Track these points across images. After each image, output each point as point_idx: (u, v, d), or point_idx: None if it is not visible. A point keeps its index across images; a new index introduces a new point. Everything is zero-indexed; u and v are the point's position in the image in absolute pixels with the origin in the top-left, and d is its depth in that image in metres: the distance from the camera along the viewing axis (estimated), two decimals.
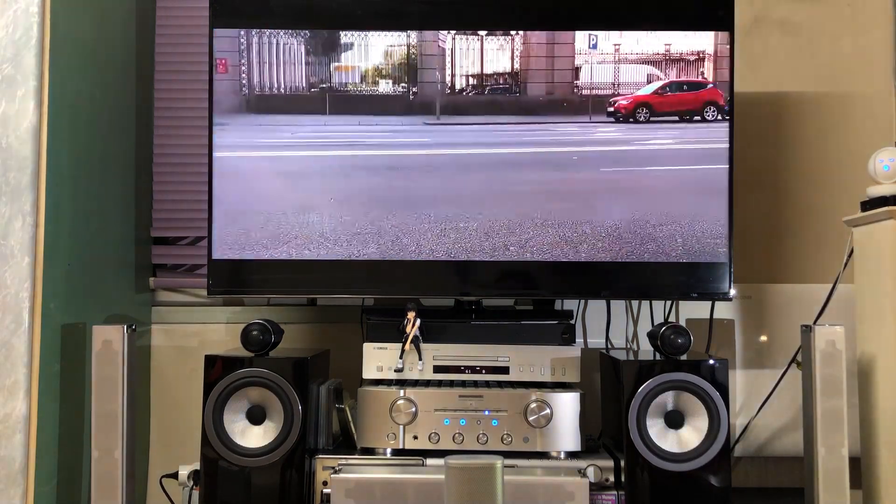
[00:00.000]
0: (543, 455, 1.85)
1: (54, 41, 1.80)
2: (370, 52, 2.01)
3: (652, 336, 1.91)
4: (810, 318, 2.10)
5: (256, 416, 1.83)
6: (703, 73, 2.00)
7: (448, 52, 2.01)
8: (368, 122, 2.01)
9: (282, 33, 2.02)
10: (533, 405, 1.84)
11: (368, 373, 1.94)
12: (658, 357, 1.88)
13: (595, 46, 2.00)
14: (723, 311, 2.29)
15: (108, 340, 1.79)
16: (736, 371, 2.30)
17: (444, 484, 1.47)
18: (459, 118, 2.00)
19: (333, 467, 1.82)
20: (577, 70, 2.00)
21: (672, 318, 2.29)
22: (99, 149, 2.05)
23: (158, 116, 2.34)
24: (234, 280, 2.03)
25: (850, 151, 2.34)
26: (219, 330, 2.35)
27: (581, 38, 2.00)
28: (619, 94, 2.01)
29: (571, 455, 1.85)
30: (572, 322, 1.99)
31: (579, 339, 2.28)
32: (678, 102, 2.01)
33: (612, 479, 1.83)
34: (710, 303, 2.21)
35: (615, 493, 1.81)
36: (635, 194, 1.99)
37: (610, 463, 1.83)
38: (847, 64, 2.38)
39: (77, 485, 1.91)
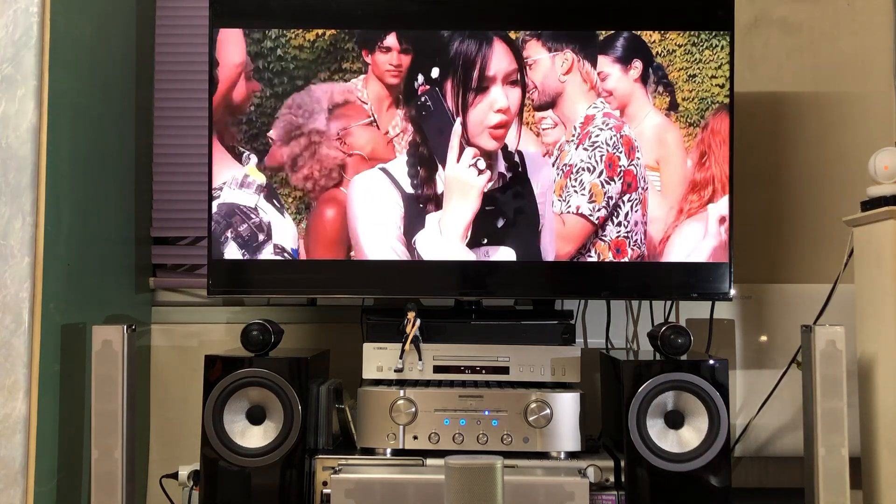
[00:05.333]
0: (543, 455, 1.85)
1: (54, 41, 1.81)
2: None
3: (652, 336, 1.91)
4: (810, 318, 2.10)
5: (256, 416, 1.83)
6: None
7: None
8: None
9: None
10: (533, 405, 1.84)
11: (368, 373, 1.94)
12: (658, 357, 1.88)
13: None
14: (723, 311, 2.29)
15: (108, 340, 1.79)
16: (736, 371, 2.30)
17: (444, 484, 1.47)
18: None
19: (333, 467, 1.82)
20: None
21: (672, 318, 2.29)
22: (99, 149, 2.05)
23: (158, 116, 2.34)
24: (234, 280, 2.03)
25: (850, 151, 2.34)
26: (219, 330, 2.35)
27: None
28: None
29: (571, 455, 1.85)
30: (572, 322, 1.99)
31: (579, 339, 2.28)
32: None
33: (612, 479, 1.83)
34: (710, 303, 2.21)
35: (615, 493, 1.81)
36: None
37: (610, 463, 1.83)
38: (847, 64, 2.38)
39: (77, 485, 1.91)
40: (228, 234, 1.98)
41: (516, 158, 1.97)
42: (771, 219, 2.36)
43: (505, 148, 1.97)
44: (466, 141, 1.97)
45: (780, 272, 2.34)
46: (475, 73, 1.98)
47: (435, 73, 1.98)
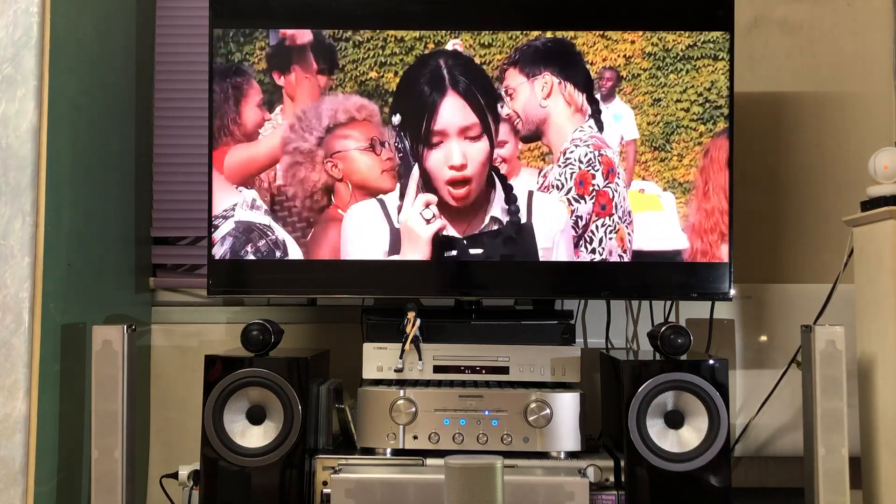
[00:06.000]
0: (543, 455, 1.85)
1: (54, 41, 1.81)
2: None
3: (652, 336, 1.91)
4: (810, 318, 2.10)
5: (256, 416, 1.83)
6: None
7: None
8: None
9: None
10: (533, 405, 1.84)
11: (368, 373, 1.94)
12: (658, 357, 1.88)
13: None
14: (723, 311, 2.29)
15: (108, 340, 1.79)
16: (736, 371, 2.30)
17: (444, 484, 1.47)
18: None
19: (333, 467, 1.82)
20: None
21: (672, 318, 2.29)
22: (99, 149, 2.05)
23: (158, 116, 2.34)
24: (234, 280, 2.03)
25: (850, 151, 2.34)
26: (219, 330, 2.35)
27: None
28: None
29: (571, 455, 1.85)
30: (572, 322, 1.99)
31: (579, 339, 2.28)
32: None
33: (612, 479, 1.83)
34: (710, 303, 2.21)
35: (615, 493, 1.81)
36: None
37: (610, 463, 1.83)
38: (847, 64, 2.38)
39: (77, 485, 1.91)
40: (249, 248, 1.98)
41: (519, 202, 1.95)
42: (771, 219, 2.36)
43: (509, 189, 1.95)
44: (426, 186, 1.96)
45: (780, 272, 2.34)
46: (423, 126, 1.96)
47: (396, 119, 1.98)
